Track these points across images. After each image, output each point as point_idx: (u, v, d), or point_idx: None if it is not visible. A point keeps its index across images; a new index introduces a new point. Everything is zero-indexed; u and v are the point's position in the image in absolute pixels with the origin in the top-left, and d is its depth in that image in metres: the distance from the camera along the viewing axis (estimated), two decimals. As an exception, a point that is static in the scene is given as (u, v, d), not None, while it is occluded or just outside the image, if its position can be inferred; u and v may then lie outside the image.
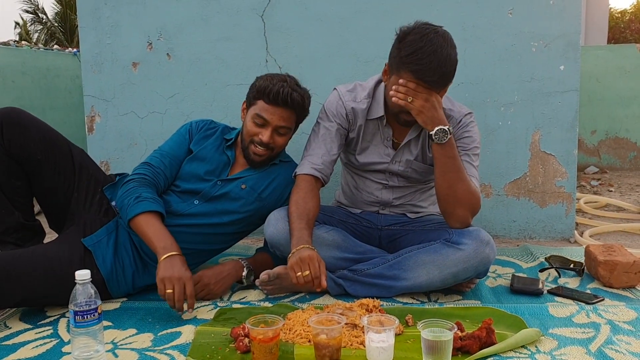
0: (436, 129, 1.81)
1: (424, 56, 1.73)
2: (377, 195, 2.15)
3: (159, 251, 1.77)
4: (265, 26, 2.78)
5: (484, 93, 2.73)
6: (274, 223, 1.94)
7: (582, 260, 2.23)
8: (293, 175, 2.04)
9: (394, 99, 1.80)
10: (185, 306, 1.74)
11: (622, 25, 16.95)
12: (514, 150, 2.77)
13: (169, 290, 1.70)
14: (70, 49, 5.47)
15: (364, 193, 2.17)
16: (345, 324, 1.59)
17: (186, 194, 2.03)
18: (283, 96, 1.94)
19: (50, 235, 2.14)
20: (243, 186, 2.04)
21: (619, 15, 17.99)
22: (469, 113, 2.02)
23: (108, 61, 2.88)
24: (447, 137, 1.81)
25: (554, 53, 2.69)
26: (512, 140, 2.76)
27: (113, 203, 2.02)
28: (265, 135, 1.98)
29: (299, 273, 1.71)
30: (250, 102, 2.03)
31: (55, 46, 6.06)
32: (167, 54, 2.85)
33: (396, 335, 1.53)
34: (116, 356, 1.52)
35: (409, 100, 1.78)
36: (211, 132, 2.16)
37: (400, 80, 1.78)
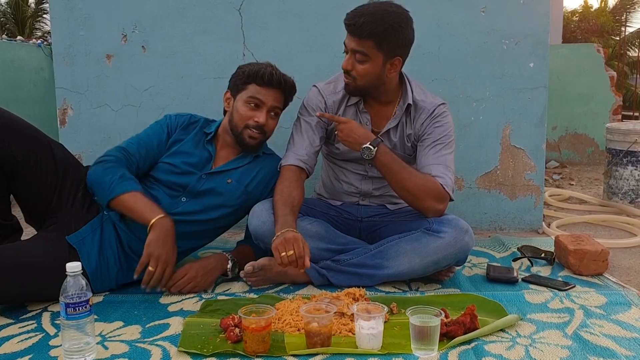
0: (361, 148, 1.94)
1: (358, 7, 1.92)
2: (357, 186, 2.19)
3: (151, 215, 1.80)
4: (243, 20, 2.78)
5: (457, 89, 2.80)
6: (259, 215, 1.95)
7: (552, 250, 2.33)
8: (278, 166, 2.06)
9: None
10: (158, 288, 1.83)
11: (572, 25, 17.40)
12: (485, 144, 2.86)
13: (151, 268, 1.78)
14: (34, 40, 5.33)
15: (344, 184, 2.20)
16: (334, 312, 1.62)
17: (172, 189, 2.01)
18: (277, 77, 1.99)
19: (28, 230, 2.09)
20: (229, 181, 2.04)
21: (569, 15, 18.46)
22: (442, 103, 2.09)
23: (81, 53, 2.82)
24: (372, 153, 1.93)
25: (524, 51, 2.78)
26: (484, 134, 2.84)
27: (96, 198, 1.99)
28: (261, 116, 1.99)
29: (283, 253, 1.74)
30: (238, 89, 2.03)
31: (19, 37, 5.88)
32: (142, 46, 2.82)
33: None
34: (106, 348, 1.51)
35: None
36: (192, 128, 2.13)
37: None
